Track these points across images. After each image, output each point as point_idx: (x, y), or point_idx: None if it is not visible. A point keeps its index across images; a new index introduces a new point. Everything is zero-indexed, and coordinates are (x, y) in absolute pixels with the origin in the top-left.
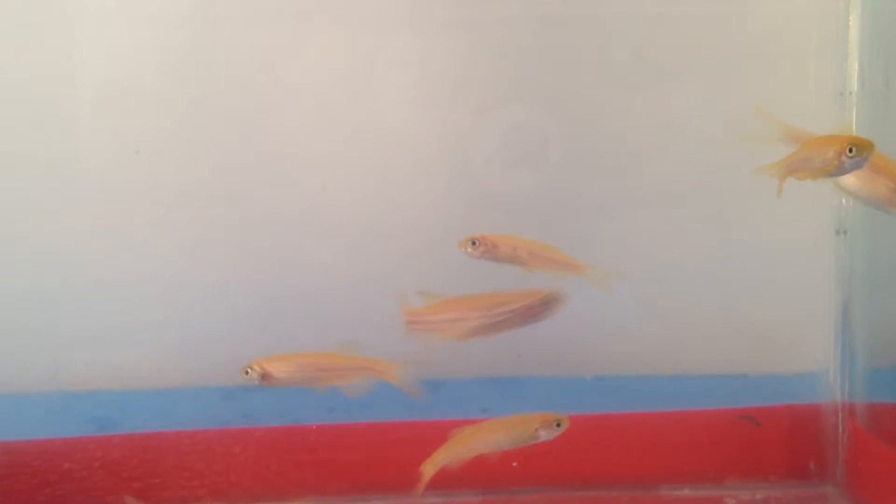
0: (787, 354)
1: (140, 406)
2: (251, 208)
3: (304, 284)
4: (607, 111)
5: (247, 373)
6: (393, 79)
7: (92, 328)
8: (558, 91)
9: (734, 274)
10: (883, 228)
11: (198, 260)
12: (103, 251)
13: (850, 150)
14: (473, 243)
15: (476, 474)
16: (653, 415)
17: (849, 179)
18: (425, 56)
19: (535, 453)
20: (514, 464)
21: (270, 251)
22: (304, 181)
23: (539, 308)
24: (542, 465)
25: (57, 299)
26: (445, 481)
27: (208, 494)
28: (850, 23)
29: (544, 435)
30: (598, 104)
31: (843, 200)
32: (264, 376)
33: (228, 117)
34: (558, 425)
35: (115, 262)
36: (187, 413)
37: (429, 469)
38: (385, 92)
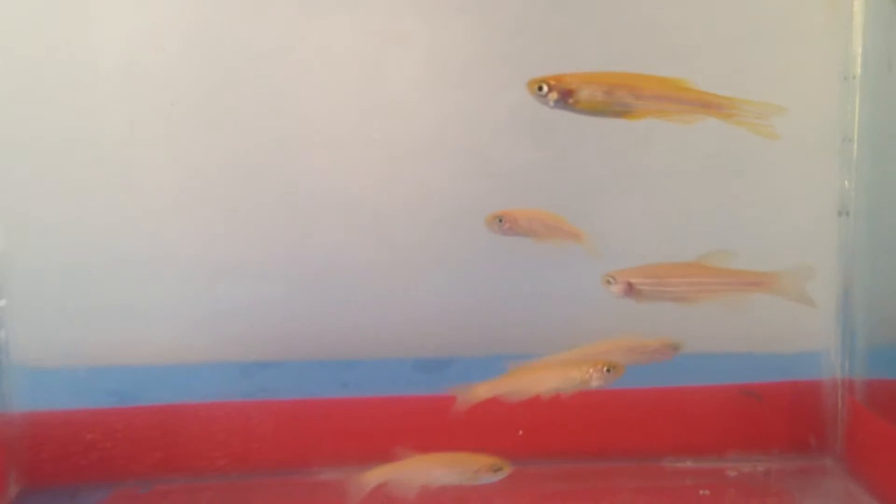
0: (790, 333)
1: (159, 381)
2: (267, 189)
3: (318, 262)
4: None
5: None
6: (405, 60)
7: (114, 305)
8: (567, 70)
9: (737, 254)
10: (884, 210)
11: (215, 239)
12: (125, 231)
13: None
14: (500, 220)
15: (481, 446)
16: (657, 390)
17: None
18: (436, 37)
19: (542, 425)
20: (520, 432)
21: (286, 230)
22: (317, 162)
23: None
24: (549, 437)
25: (81, 278)
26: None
27: (228, 463)
28: (855, 7)
29: (595, 382)
30: None
31: (846, 182)
32: None
33: (243, 99)
34: (608, 371)
35: (136, 241)
36: (206, 388)
37: (482, 391)
38: (398, 73)
